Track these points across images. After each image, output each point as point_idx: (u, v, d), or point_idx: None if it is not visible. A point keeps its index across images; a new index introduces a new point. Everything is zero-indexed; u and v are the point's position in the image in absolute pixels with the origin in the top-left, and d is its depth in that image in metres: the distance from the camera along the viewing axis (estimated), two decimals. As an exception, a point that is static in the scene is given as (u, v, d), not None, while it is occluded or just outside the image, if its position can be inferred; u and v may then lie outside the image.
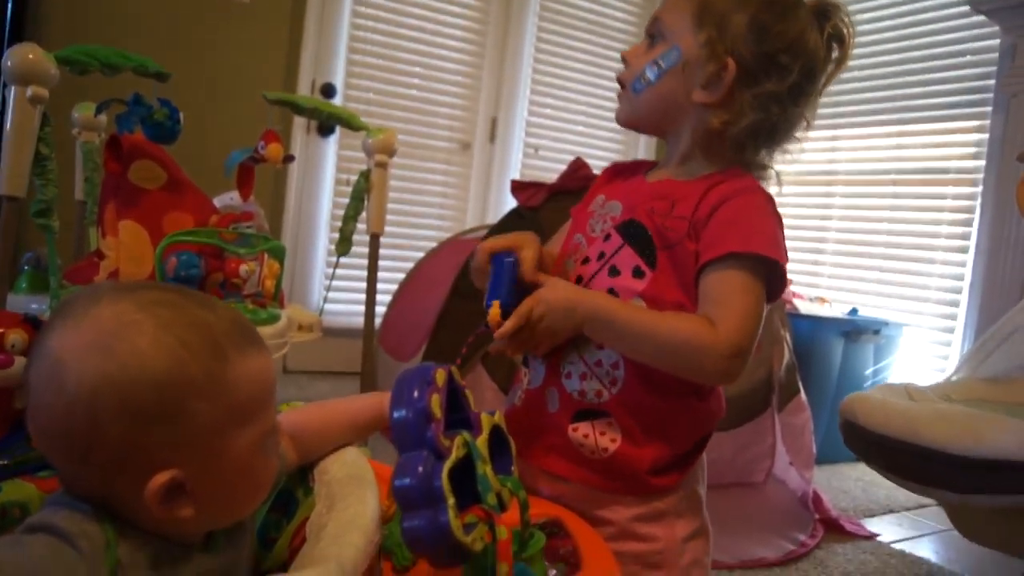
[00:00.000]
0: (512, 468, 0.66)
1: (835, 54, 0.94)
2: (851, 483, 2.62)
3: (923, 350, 3.07)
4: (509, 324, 0.84)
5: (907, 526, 2.28)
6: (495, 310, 0.84)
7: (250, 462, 0.61)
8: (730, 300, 0.83)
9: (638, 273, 0.89)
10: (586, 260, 0.94)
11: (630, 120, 0.97)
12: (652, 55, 0.92)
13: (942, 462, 1.40)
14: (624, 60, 0.96)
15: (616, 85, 0.98)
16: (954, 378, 1.90)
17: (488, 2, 3.66)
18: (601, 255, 0.92)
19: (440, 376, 0.61)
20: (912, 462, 1.47)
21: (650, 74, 0.91)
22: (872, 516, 2.33)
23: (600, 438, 0.89)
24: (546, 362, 0.93)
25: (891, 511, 2.39)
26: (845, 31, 0.93)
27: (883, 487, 2.53)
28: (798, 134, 0.95)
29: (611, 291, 0.89)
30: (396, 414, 0.59)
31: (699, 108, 0.90)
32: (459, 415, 0.64)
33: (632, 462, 0.89)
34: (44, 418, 0.58)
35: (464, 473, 0.59)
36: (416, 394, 0.59)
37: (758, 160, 0.95)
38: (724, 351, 0.81)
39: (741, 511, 2.06)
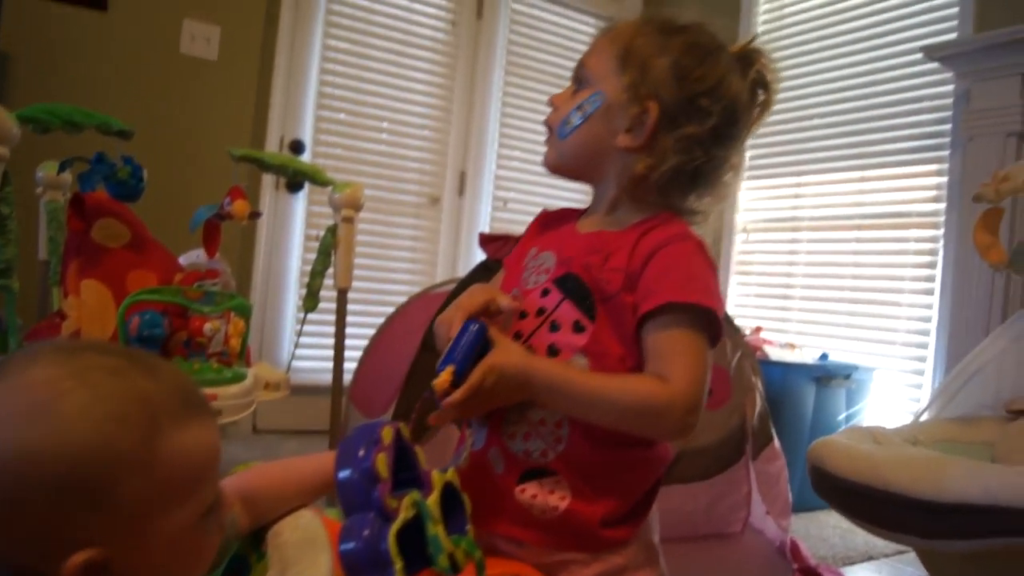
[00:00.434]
0: (467, 527, 0.64)
1: (760, 98, 0.96)
2: (829, 530, 2.60)
3: (895, 392, 3.08)
4: (458, 394, 0.80)
5: (886, 573, 2.26)
6: (445, 376, 0.79)
7: (185, 542, 0.58)
8: (678, 357, 0.83)
9: (578, 328, 0.88)
10: (523, 315, 0.92)
11: (557, 165, 0.97)
12: (577, 100, 0.92)
13: (907, 507, 1.39)
14: (551, 104, 0.96)
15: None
16: (922, 419, 1.90)
17: (455, 57, 3.71)
18: (541, 310, 0.91)
19: (387, 434, 0.60)
20: (878, 508, 1.45)
21: (575, 119, 0.92)
22: (851, 564, 2.30)
23: (549, 497, 0.87)
24: (487, 423, 0.91)
25: (870, 558, 2.37)
26: (769, 76, 0.96)
27: (861, 534, 2.49)
28: (726, 179, 0.95)
29: (552, 347, 0.88)
30: (341, 474, 0.58)
31: (623, 153, 0.91)
32: (409, 474, 0.62)
33: (584, 518, 0.87)
34: None
35: (415, 534, 0.57)
36: (362, 453, 0.57)
37: (687, 205, 0.95)
38: (680, 408, 0.81)
39: (719, 563, 2.03)
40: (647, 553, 0.92)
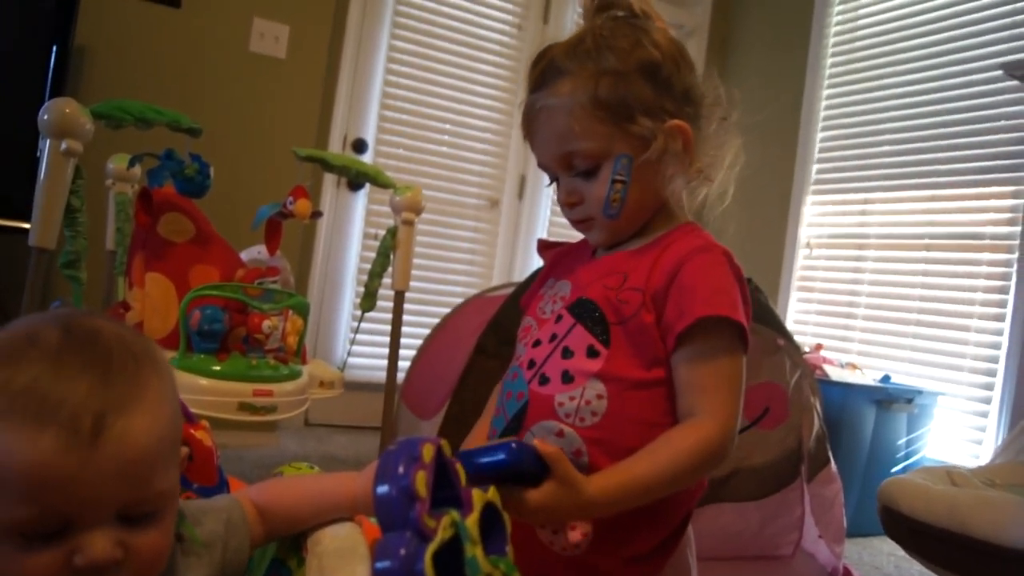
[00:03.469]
0: (507, 548, 0.63)
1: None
2: (883, 558, 2.53)
3: (959, 420, 2.98)
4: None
5: (942, 606, 2.18)
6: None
7: None
8: (715, 386, 0.81)
9: (592, 353, 0.85)
10: (537, 343, 0.90)
11: (615, 239, 0.93)
12: (601, 181, 0.88)
13: (988, 554, 1.31)
14: (568, 204, 0.92)
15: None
16: (998, 460, 1.81)
17: (519, 61, 3.71)
18: (553, 336, 0.89)
19: (428, 451, 0.59)
20: (956, 552, 1.38)
21: (617, 193, 0.87)
22: (905, 594, 2.23)
23: (571, 533, 0.83)
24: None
25: (926, 589, 2.29)
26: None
27: (917, 564, 2.42)
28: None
29: (566, 373, 0.86)
30: (379, 489, 0.57)
31: (675, 179, 0.89)
32: (448, 492, 0.61)
33: (607, 557, 0.85)
34: None
35: (453, 555, 0.56)
36: (401, 470, 0.57)
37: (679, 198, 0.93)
38: (723, 445, 0.80)
39: (767, 585, 1.99)
40: None
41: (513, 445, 0.73)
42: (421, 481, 0.57)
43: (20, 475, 0.50)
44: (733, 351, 0.83)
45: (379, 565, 0.54)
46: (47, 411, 0.51)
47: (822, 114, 3.69)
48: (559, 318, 0.90)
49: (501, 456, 0.72)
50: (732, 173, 0.93)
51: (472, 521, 0.59)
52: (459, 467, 0.63)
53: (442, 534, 0.56)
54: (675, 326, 0.82)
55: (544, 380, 0.87)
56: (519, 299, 2.44)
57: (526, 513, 0.74)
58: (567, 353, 0.86)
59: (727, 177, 0.93)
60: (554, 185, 0.94)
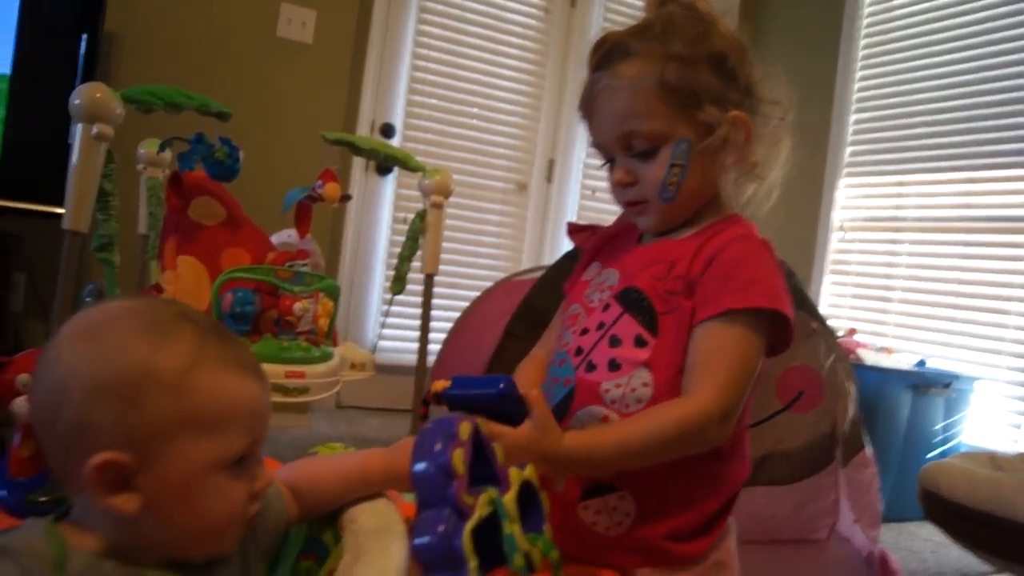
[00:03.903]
0: (544, 526, 0.62)
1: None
2: (920, 543, 2.50)
3: (996, 405, 2.93)
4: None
5: (980, 593, 2.15)
6: (442, 383, 0.75)
7: (203, 478, 0.59)
8: (713, 363, 0.81)
9: (640, 342, 0.85)
10: (584, 331, 0.90)
11: (665, 225, 0.93)
12: (659, 163, 0.87)
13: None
14: (623, 184, 0.90)
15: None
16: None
17: (547, 44, 3.69)
18: (601, 325, 0.89)
19: (465, 429, 0.58)
20: (1001, 537, 1.34)
21: (675, 176, 0.87)
22: (942, 580, 2.20)
23: (613, 514, 0.85)
24: None
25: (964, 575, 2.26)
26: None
27: (955, 549, 2.39)
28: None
29: (613, 361, 0.86)
30: (417, 467, 0.57)
31: (730, 170, 0.89)
32: (486, 470, 0.60)
33: (650, 534, 0.85)
34: (34, 396, 0.60)
35: (490, 532, 0.56)
36: (438, 447, 0.56)
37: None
38: (712, 421, 0.79)
39: (801, 569, 1.97)
40: (718, 572, 0.89)
41: (503, 383, 0.75)
42: (459, 458, 0.56)
43: (246, 410, 0.61)
44: (749, 340, 0.82)
45: (417, 541, 0.53)
46: (249, 364, 0.62)
47: (856, 95, 3.63)
48: (606, 307, 0.90)
49: (495, 388, 0.74)
50: (780, 174, 0.93)
51: (510, 499, 0.59)
52: (496, 445, 0.62)
53: (480, 511, 0.55)
54: (700, 312, 0.83)
55: (591, 367, 0.87)
56: (551, 282, 2.44)
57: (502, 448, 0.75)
58: (614, 341, 0.87)
59: (776, 177, 0.93)
60: (606, 167, 0.94)
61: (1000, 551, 1.37)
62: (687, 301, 0.84)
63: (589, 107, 0.92)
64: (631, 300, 0.87)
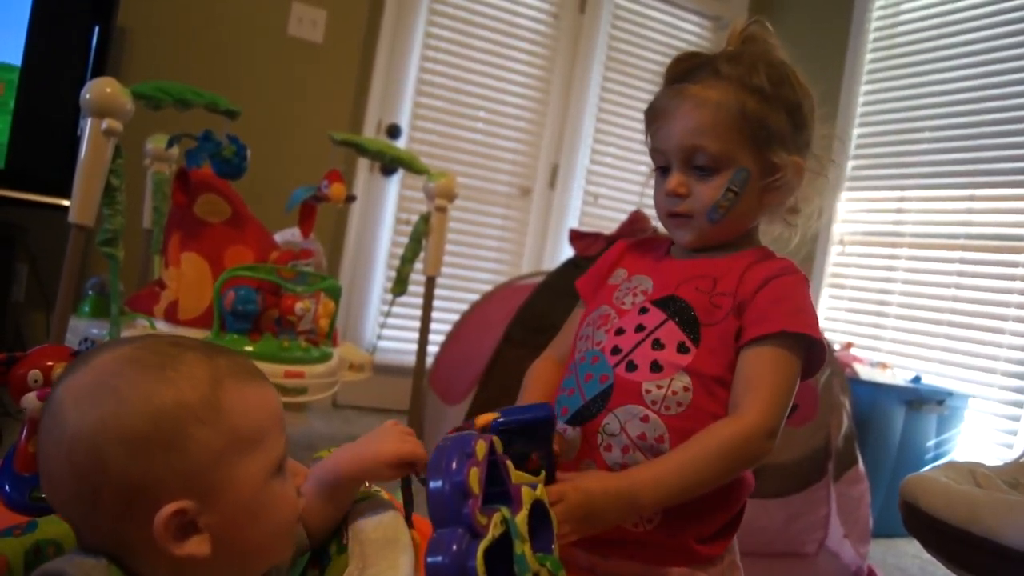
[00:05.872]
0: (553, 546, 0.64)
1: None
2: (908, 560, 2.51)
3: (989, 423, 2.94)
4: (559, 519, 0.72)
5: (967, 610, 2.16)
6: (489, 415, 0.74)
7: (263, 491, 0.60)
8: (762, 381, 0.85)
9: (683, 349, 0.88)
10: (620, 331, 0.92)
11: (702, 243, 0.96)
12: (715, 184, 0.91)
13: (1007, 559, 1.30)
14: (676, 194, 0.93)
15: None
16: (1023, 459, 1.79)
17: (555, 50, 3.69)
18: (640, 327, 0.91)
19: (480, 448, 0.59)
20: (974, 555, 1.37)
21: (727, 201, 0.91)
22: (930, 597, 2.22)
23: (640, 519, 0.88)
24: (581, 433, 0.90)
25: (950, 593, 2.27)
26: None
27: (942, 568, 2.41)
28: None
29: (655, 363, 0.88)
30: (433, 484, 0.58)
31: (774, 209, 0.95)
32: (499, 488, 0.61)
33: (677, 533, 0.88)
34: (50, 464, 0.58)
35: (501, 552, 0.57)
36: (455, 466, 0.57)
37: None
38: (758, 438, 0.83)
39: (790, 582, 1.98)
40: (732, 572, 0.93)
41: (545, 408, 0.78)
42: (474, 478, 0.57)
43: (273, 413, 0.64)
44: (793, 362, 0.87)
45: (431, 560, 0.54)
46: (254, 369, 0.64)
47: (859, 109, 3.64)
48: (643, 310, 0.92)
49: (545, 412, 0.77)
50: (809, 225, 0.99)
51: (521, 519, 0.60)
52: (509, 464, 0.64)
53: (493, 531, 0.56)
54: (752, 330, 0.87)
55: (632, 367, 0.89)
56: (552, 288, 2.43)
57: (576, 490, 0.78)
58: (657, 345, 0.89)
59: (805, 227, 0.99)
60: (652, 176, 0.99)
61: (974, 568, 1.39)
62: (734, 319, 0.88)
63: (661, 112, 0.94)
64: (675, 309, 0.91)
